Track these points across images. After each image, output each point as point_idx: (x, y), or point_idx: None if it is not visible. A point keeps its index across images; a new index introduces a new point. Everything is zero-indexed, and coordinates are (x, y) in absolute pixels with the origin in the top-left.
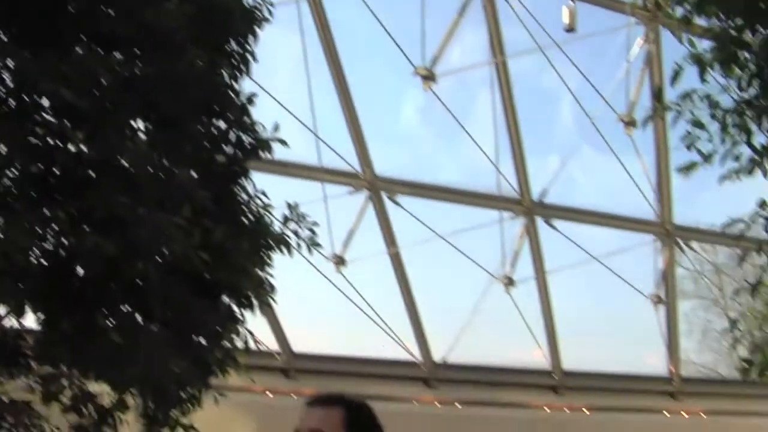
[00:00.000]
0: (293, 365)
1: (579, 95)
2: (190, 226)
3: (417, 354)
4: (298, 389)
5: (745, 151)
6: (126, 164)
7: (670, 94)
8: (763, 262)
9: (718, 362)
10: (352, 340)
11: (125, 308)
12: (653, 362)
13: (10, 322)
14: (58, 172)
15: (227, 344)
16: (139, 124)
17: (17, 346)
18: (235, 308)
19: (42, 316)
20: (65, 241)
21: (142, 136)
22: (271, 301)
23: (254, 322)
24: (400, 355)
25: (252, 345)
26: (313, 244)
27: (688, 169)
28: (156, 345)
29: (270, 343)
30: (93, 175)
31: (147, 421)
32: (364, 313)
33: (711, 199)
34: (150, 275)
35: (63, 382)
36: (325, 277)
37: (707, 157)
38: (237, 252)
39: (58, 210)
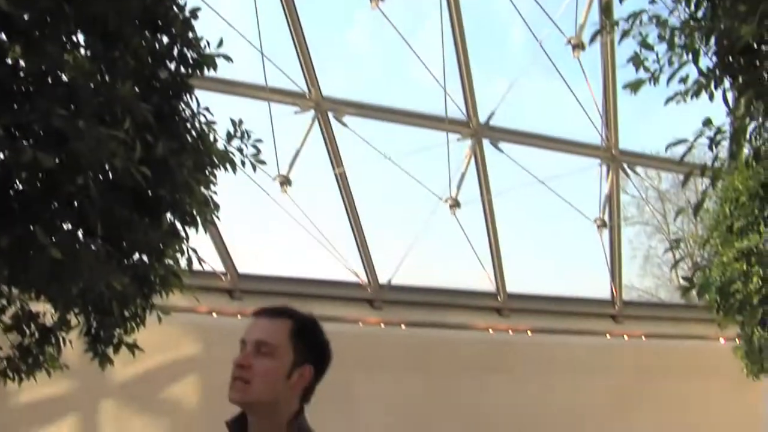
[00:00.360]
0: (238, 286)
1: (528, 18)
2: (131, 141)
3: (362, 275)
4: (243, 310)
5: (692, 74)
6: (65, 78)
7: (619, 13)
8: (705, 185)
9: (659, 288)
10: (297, 261)
11: (66, 225)
12: (596, 286)
13: None
14: None
15: (170, 262)
16: (80, 37)
17: None
18: (178, 226)
19: None
20: (2, 156)
21: (82, 50)
22: (216, 219)
23: (199, 243)
24: (346, 276)
25: (196, 263)
26: (257, 161)
27: (635, 86)
28: (97, 261)
29: (215, 264)
30: (30, 88)
31: (90, 340)
32: (310, 234)
33: (656, 127)
34: (90, 191)
35: (3, 302)
36: (271, 197)
37: (654, 77)
38: (179, 168)
39: None
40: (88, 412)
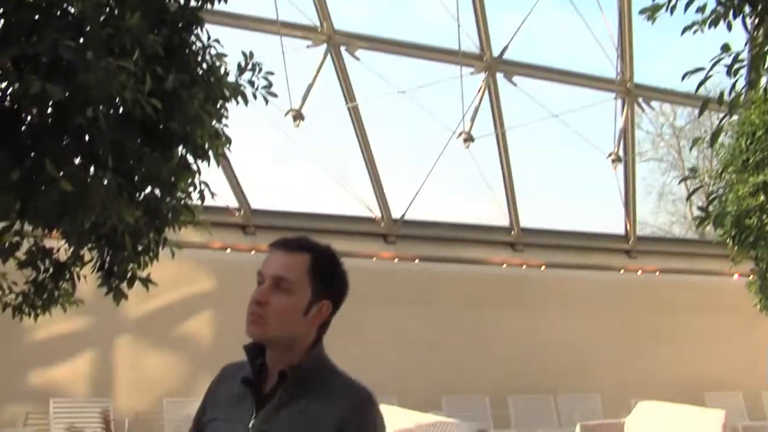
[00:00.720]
0: (252, 221)
1: None
2: (140, 73)
3: (375, 210)
4: (256, 245)
5: (710, 3)
6: (73, 10)
7: None
8: (722, 114)
9: (673, 225)
10: (310, 197)
11: (76, 159)
12: (610, 221)
13: None
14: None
15: (182, 195)
16: None
17: None
18: (189, 159)
19: None
20: (10, 88)
21: None
22: (227, 152)
23: (212, 179)
24: (359, 211)
25: (208, 197)
26: (269, 93)
27: (652, 10)
28: (108, 194)
29: (228, 199)
30: (38, 20)
31: (103, 275)
32: (323, 169)
33: (672, 63)
34: (100, 123)
35: (17, 238)
36: (284, 132)
37: (671, 5)
38: (190, 101)
39: (1, 56)
40: (104, 348)
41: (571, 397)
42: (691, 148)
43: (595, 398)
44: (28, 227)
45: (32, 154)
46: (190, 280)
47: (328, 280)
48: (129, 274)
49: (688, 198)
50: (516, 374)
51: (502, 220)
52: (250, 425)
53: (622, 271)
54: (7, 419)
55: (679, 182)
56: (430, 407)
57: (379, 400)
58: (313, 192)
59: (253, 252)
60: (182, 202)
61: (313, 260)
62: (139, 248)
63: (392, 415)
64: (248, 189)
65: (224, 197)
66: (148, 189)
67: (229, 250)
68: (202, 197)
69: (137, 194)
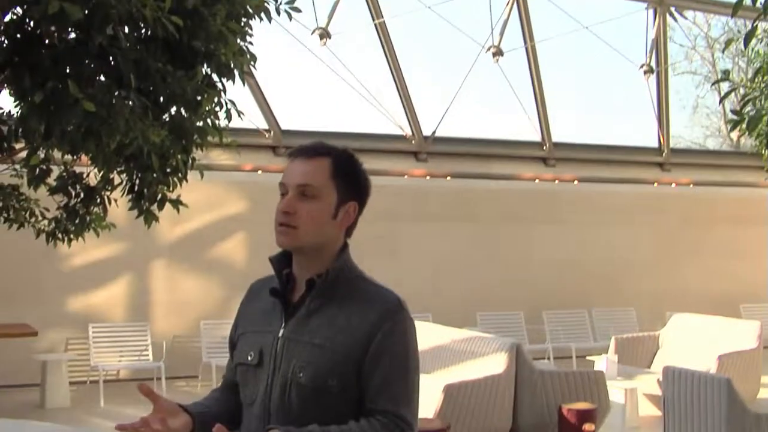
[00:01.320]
0: (282, 142)
1: None
2: None
3: (406, 128)
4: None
5: None
6: None
7: None
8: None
9: (707, 138)
10: (340, 116)
11: (99, 80)
12: (643, 134)
13: None
14: None
15: (208, 114)
16: None
17: None
18: (214, 78)
19: (12, 91)
20: (30, 9)
21: None
22: (255, 73)
23: (241, 101)
24: (390, 129)
25: (237, 118)
26: (292, 8)
27: None
28: (132, 114)
29: (258, 121)
30: None
31: (133, 198)
32: (352, 87)
33: None
34: (120, 42)
35: (48, 166)
36: (311, 51)
37: None
38: (212, 18)
39: None
40: (140, 273)
41: (605, 312)
42: (724, 50)
43: (630, 312)
44: (58, 154)
45: (54, 75)
46: (223, 203)
47: (352, 181)
48: (159, 196)
49: (721, 101)
50: (550, 289)
51: (534, 134)
52: (280, 334)
53: (655, 184)
54: (48, 345)
55: (712, 85)
56: (465, 324)
57: (414, 317)
58: (343, 111)
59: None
60: (208, 121)
61: (334, 163)
62: (168, 170)
63: (427, 331)
64: (278, 110)
65: (254, 119)
66: (173, 109)
67: (260, 172)
68: (228, 116)
69: (162, 114)
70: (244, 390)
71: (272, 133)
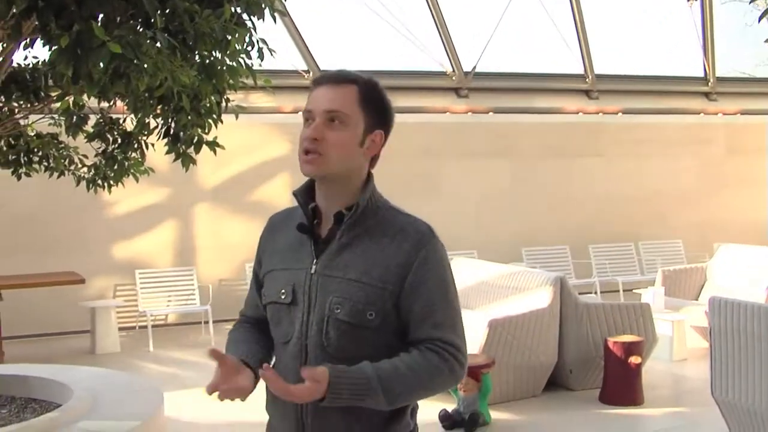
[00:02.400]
0: None
1: None
2: None
3: (446, 64)
4: None
5: None
6: None
7: None
8: None
9: (757, 67)
10: (379, 53)
11: (125, 21)
12: (688, 64)
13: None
14: None
15: (239, 53)
16: None
17: (33, 78)
18: (244, 17)
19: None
20: None
21: None
22: (287, 12)
23: (278, 42)
24: (429, 65)
25: (272, 57)
26: None
27: None
28: (160, 54)
29: (297, 62)
30: None
31: (169, 141)
32: (390, 24)
33: None
34: None
35: (85, 113)
36: None
37: None
38: None
39: None
40: (184, 218)
41: (652, 244)
42: None
43: (677, 244)
44: (94, 102)
45: (79, 18)
46: (264, 145)
47: (379, 108)
48: (195, 139)
49: (761, 17)
50: (596, 223)
51: (576, 67)
52: (312, 270)
53: (701, 114)
54: (96, 292)
55: (759, 19)
56: (510, 259)
57: (459, 254)
58: (382, 49)
59: None
60: (240, 61)
61: (362, 90)
62: (201, 111)
63: (471, 267)
64: (316, 50)
65: (292, 60)
66: (203, 50)
67: (300, 113)
68: (261, 56)
69: (191, 55)
70: (277, 329)
71: (311, 73)
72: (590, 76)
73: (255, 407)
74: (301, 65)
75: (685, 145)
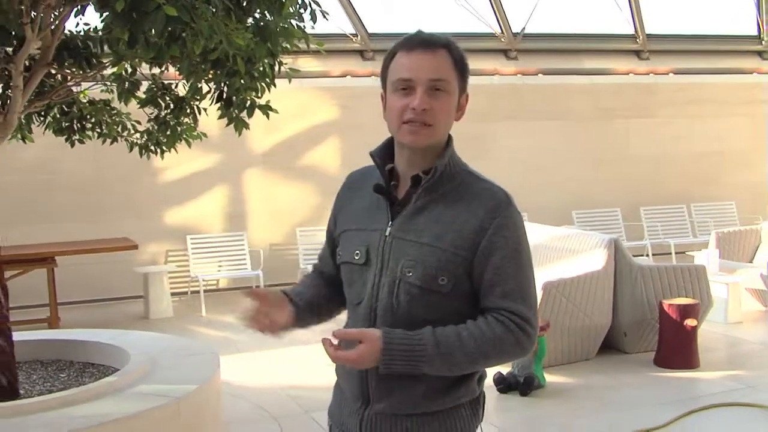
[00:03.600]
0: (369, 46)
1: None
2: None
3: (494, 25)
4: (375, 71)
5: None
6: None
7: None
8: None
9: None
10: (427, 16)
11: None
12: (741, 22)
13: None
14: None
15: (292, 15)
16: None
17: (85, 45)
18: None
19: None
20: None
21: None
22: None
23: (326, 3)
24: (478, 27)
25: (321, 21)
26: None
27: None
28: (215, 17)
29: (345, 25)
30: None
31: (222, 105)
32: None
33: None
34: None
35: (136, 79)
36: None
37: None
38: None
39: None
40: (235, 184)
41: (704, 206)
42: None
43: (730, 206)
44: (145, 68)
45: None
46: (313, 109)
47: (466, 70)
48: (248, 103)
49: None
50: (647, 185)
51: (626, 27)
52: (387, 232)
53: (754, 73)
54: (149, 258)
55: None
56: (561, 222)
57: None
58: (430, 11)
59: (372, 77)
60: (293, 23)
61: (452, 54)
62: (255, 75)
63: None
64: (363, 13)
65: (340, 23)
66: (257, 12)
67: (348, 77)
68: (313, 17)
69: (245, 17)
70: (350, 290)
71: (359, 36)
72: (641, 36)
73: (305, 371)
74: (348, 29)
75: (738, 104)
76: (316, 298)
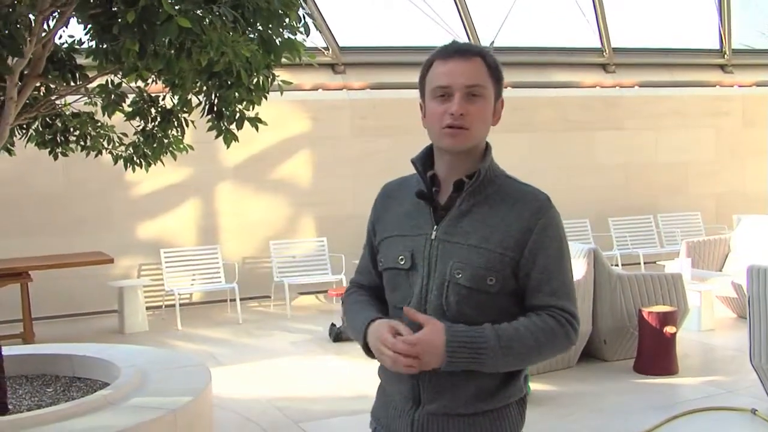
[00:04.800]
0: (341, 60)
1: None
2: None
3: (463, 37)
4: (347, 84)
5: None
6: None
7: None
8: None
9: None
10: (397, 29)
11: None
12: (704, 36)
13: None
14: None
15: (292, 27)
16: None
17: (70, 57)
18: None
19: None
20: None
21: None
22: None
23: None
24: (447, 40)
25: (312, 28)
26: None
27: None
28: (224, 28)
29: (316, 39)
30: None
31: (212, 118)
32: (411, 1)
33: None
34: None
35: (122, 92)
36: None
37: None
38: None
39: None
40: (207, 197)
41: (671, 216)
42: None
43: (696, 216)
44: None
45: None
46: (285, 122)
47: (501, 78)
48: (237, 115)
49: None
50: (614, 196)
51: (593, 40)
52: (432, 236)
53: (717, 86)
54: (122, 272)
55: None
56: None
57: None
58: (400, 25)
59: (344, 90)
60: (297, 36)
61: (487, 61)
62: (251, 87)
63: None
64: (335, 27)
65: (312, 37)
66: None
67: (320, 90)
68: (306, 30)
69: (250, 29)
70: (394, 294)
71: (330, 50)
72: (607, 50)
73: (288, 383)
74: (320, 42)
75: (702, 116)
76: (382, 313)
